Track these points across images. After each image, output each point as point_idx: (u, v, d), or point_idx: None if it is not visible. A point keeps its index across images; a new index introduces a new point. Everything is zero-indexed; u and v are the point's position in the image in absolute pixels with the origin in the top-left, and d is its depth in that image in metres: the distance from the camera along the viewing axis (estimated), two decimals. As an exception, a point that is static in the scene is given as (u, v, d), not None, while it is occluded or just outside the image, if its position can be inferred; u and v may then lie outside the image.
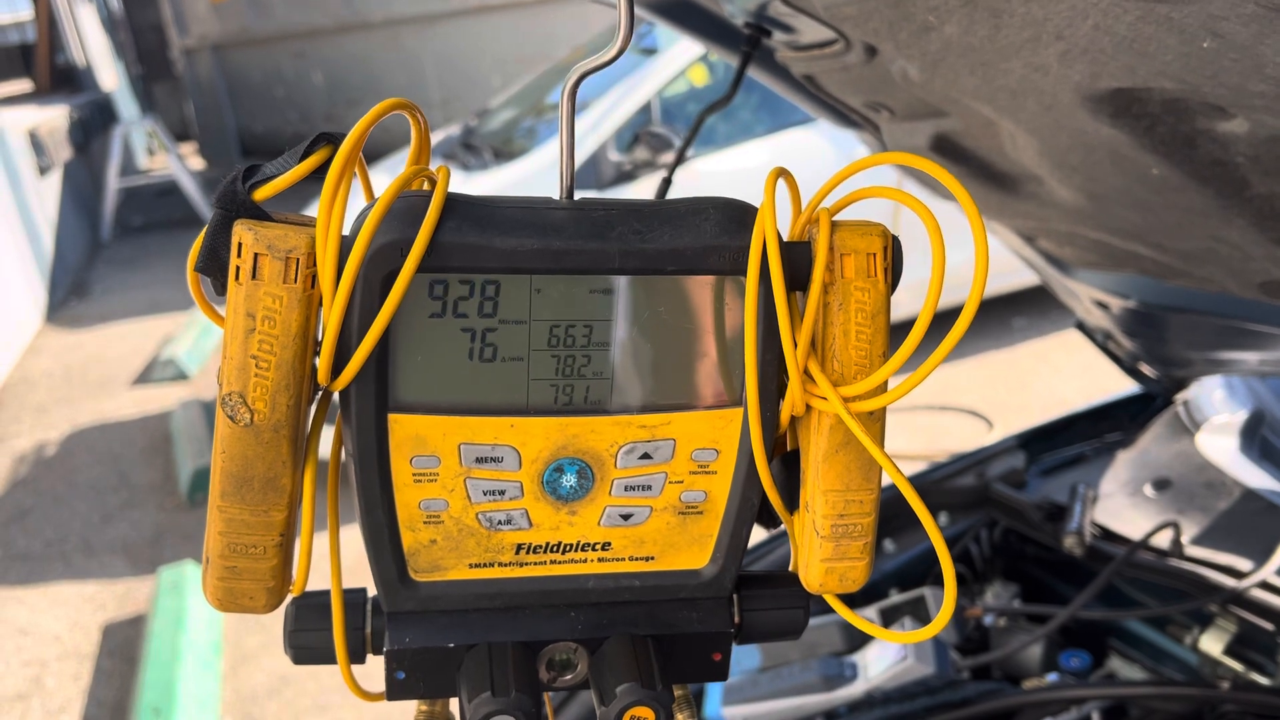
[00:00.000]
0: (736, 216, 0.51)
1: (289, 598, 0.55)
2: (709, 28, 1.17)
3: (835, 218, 0.52)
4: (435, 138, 5.50)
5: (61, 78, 10.94)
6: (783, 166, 0.52)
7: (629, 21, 0.49)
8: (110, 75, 12.00)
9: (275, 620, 3.13)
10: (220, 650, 3.23)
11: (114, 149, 9.20)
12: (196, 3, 11.26)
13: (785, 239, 0.52)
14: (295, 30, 10.54)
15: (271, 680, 3.07)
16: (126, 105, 11.67)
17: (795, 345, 0.51)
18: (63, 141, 8.56)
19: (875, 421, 0.53)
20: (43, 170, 7.87)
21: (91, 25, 11.67)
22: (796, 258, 0.52)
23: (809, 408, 0.53)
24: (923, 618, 1.50)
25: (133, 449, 4.77)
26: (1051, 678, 1.48)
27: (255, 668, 3.14)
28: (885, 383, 0.51)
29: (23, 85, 10.78)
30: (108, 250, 9.00)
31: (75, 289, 7.78)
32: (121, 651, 3.30)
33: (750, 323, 0.51)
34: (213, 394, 5.22)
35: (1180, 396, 1.91)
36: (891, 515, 1.72)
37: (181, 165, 9.23)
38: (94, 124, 9.96)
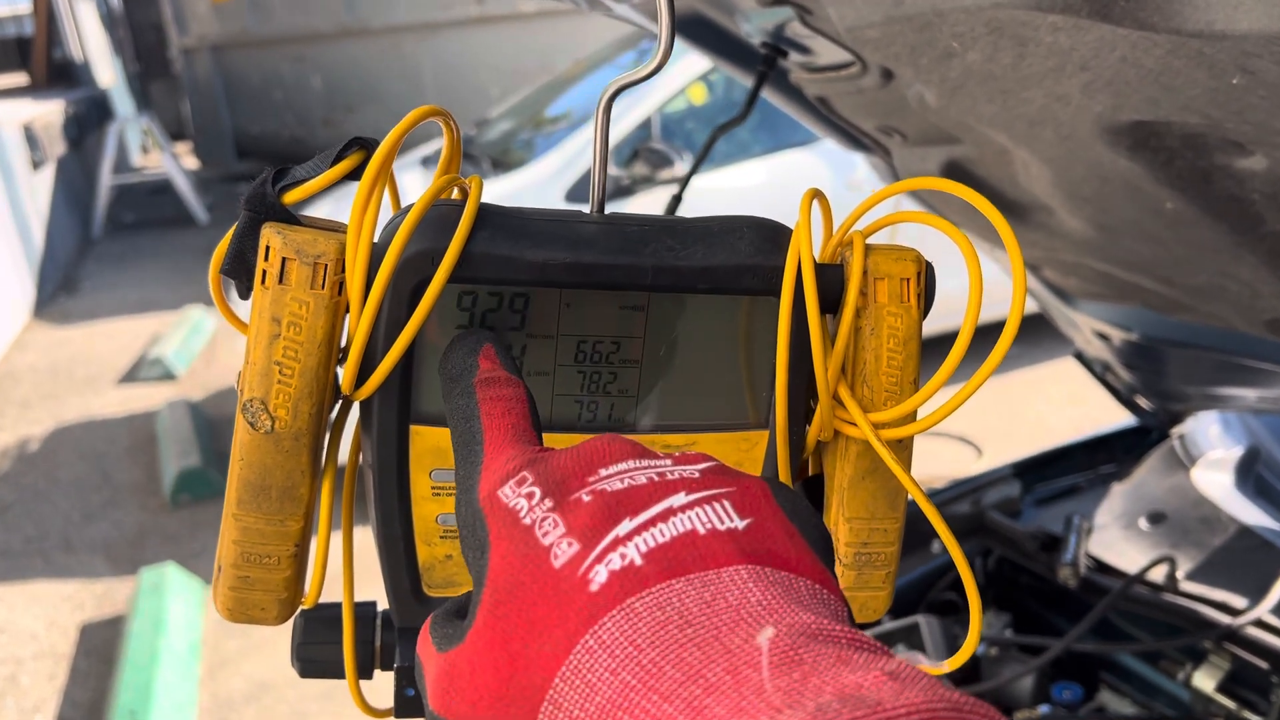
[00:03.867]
0: (771, 237, 0.50)
1: (299, 610, 0.54)
2: (725, 46, 1.17)
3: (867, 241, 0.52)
4: (431, 146, 5.49)
5: (58, 73, 10.91)
6: (817, 188, 0.51)
7: (669, 37, 0.49)
8: (107, 72, 11.97)
9: (255, 626, 3.11)
10: (199, 654, 3.20)
11: (108, 145, 9.16)
12: (197, 2, 11.23)
13: (817, 261, 0.52)
14: (295, 34, 10.53)
15: (250, 686, 3.04)
16: (123, 102, 11.63)
17: (826, 369, 0.50)
18: (57, 136, 8.53)
19: (904, 449, 0.52)
20: (36, 165, 7.83)
21: (90, 21, 11.65)
22: (829, 280, 0.51)
23: (836, 433, 0.53)
24: (917, 645, 1.49)
25: (117, 448, 4.73)
26: (1043, 709, 1.48)
27: (233, 672, 3.11)
28: (915, 410, 0.51)
29: (19, 79, 10.76)
30: (98, 247, 8.95)
31: (64, 285, 7.72)
32: (99, 652, 3.25)
33: (783, 345, 0.50)
34: (198, 395, 5.18)
35: (1176, 431, 1.91)
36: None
37: (176, 164, 9.20)
38: (89, 120, 9.93)
